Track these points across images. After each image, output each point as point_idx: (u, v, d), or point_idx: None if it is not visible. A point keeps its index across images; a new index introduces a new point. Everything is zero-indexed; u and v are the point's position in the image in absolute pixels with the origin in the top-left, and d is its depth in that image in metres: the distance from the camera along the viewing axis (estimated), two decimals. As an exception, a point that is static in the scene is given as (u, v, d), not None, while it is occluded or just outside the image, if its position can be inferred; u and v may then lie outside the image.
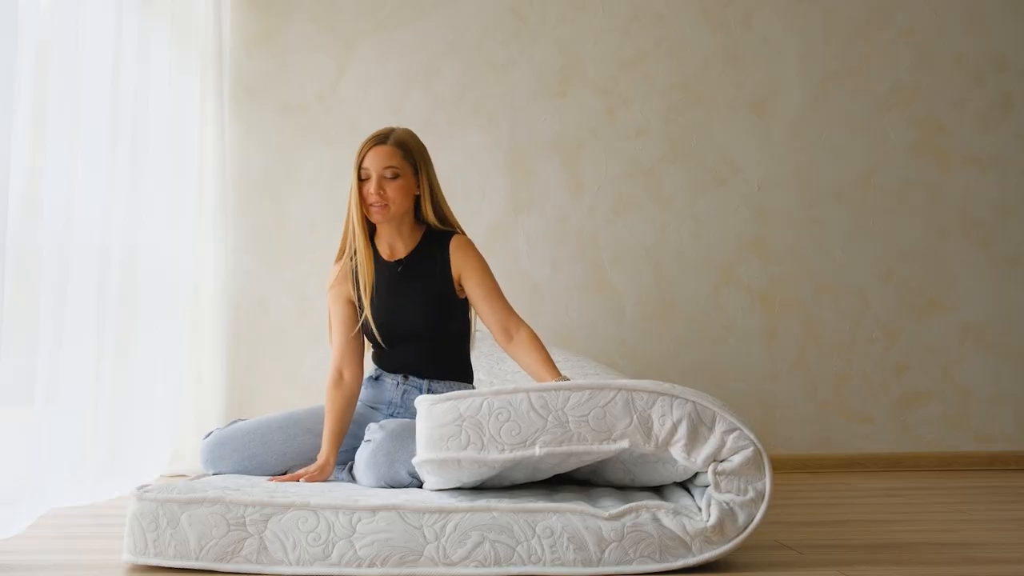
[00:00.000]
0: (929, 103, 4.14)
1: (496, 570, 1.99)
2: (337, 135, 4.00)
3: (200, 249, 3.75)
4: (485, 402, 2.02)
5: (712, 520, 2.00)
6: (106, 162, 2.97)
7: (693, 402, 2.02)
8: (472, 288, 2.55)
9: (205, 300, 3.77)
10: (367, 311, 2.54)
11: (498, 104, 4.03)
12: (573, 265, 4.02)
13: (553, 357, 3.12)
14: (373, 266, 2.55)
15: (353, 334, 2.60)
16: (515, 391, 2.02)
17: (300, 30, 4.01)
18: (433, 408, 2.03)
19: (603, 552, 1.99)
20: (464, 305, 2.61)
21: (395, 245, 2.60)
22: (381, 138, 2.54)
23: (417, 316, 2.54)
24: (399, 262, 2.58)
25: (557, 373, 2.40)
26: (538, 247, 4.01)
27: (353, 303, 2.61)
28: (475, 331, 2.70)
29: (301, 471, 2.40)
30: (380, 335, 2.58)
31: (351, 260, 2.59)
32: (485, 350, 3.18)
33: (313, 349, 3.92)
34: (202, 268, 3.76)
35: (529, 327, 2.50)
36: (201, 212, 3.75)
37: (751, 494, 2.01)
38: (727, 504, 2.01)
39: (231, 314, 3.90)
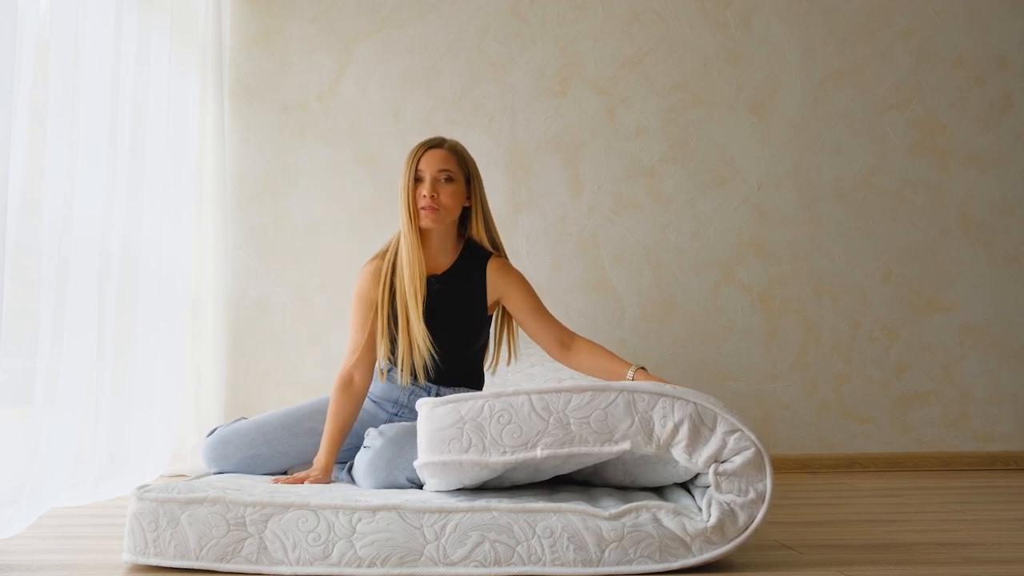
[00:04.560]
0: (929, 103, 4.14)
1: (496, 570, 1.98)
2: (337, 135, 4.00)
3: (200, 249, 3.75)
4: (486, 404, 2.01)
5: (712, 520, 2.00)
6: (106, 162, 2.97)
7: (694, 403, 2.02)
8: (519, 309, 2.54)
9: (205, 300, 3.77)
10: (417, 326, 2.45)
11: (498, 104, 4.04)
12: (573, 265, 4.02)
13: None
14: (426, 272, 2.48)
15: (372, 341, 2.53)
16: (516, 393, 2.02)
17: (300, 30, 4.02)
18: (434, 411, 2.03)
19: (603, 552, 1.99)
20: (489, 321, 2.61)
21: (436, 260, 2.55)
22: (436, 143, 2.53)
23: (445, 339, 2.52)
24: (435, 279, 2.53)
25: (628, 363, 2.42)
26: (538, 247, 4.01)
27: (378, 308, 2.54)
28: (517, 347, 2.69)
29: (302, 474, 2.38)
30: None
31: (389, 264, 2.52)
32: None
33: (313, 349, 3.92)
34: (202, 268, 3.76)
35: (578, 335, 2.53)
36: (201, 212, 3.75)
37: (752, 495, 2.01)
38: (728, 505, 2.01)
39: (231, 314, 3.90)
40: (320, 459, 2.43)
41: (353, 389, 2.51)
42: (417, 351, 2.47)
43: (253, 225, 3.97)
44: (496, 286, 2.55)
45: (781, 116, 4.11)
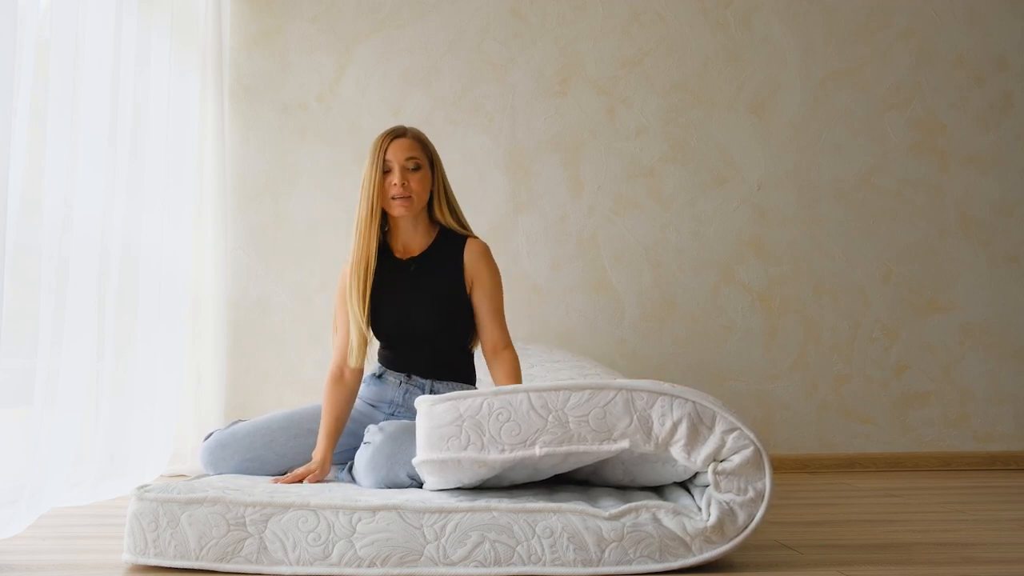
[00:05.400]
0: (929, 103, 4.14)
1: (496, 570, 1.98)
2: (337, 135, 4.00)
3: (200, 249, 3.75)
4: (485, 402, 2.01)
5: (712, 520, 2.00)
6: (106, 162, 2.97)
7: (693, 402, 2.02)
8: (480, 300, 2.56)
9: (205, 300, 3.77)
10: (358, 310, 2.50)
11: (498, 104, 4.04)
12: (573, 265, 4.02)
13: (553, 357, 3.14)
14: (374, 264, 2.52)
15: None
16: (515, 391, 2.02)
17: (300, 30, 4.02)
18: (433, 408, 2.03)
19: (603, 552, 1.99)
20: (470, 305, 2.61)
21: (410, 244, 2.59)
22: (400, 132, 2.56)
23: (428, 317, 2.54)
24: (412, 260, 2.57)
25: None
26: (538, 247, 4.01)
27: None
28: None
29: (301, 470, 2.39)
30: (387, 334, 2.58)
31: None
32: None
33: (313, 349, 3.92)
34: (202, 268, 3.76)
35: (513, 350, 2.55)
36: (201, 212, 3.75)
37: (751, 494, 2.01)
38: (727, 504, 2.01)
39: (231, 314, 3.90)
40: (317, 453, 2.45)
41: (344, 383, 2.54)
42: (357, 329, 2.50)
43: (253, 225, 3.97)
44: (472, 268, 2.56)
45: (781, 116, 4.11)
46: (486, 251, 2.59)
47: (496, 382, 2.53)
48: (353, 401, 2.56)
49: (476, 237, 2.61)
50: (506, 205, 4.00)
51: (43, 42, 2.66)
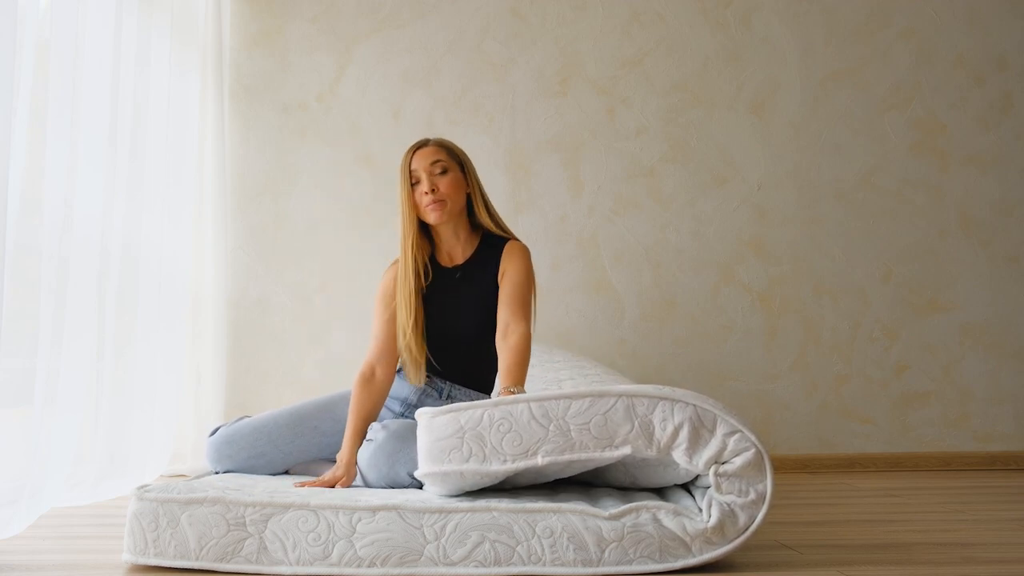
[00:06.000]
0: (929, 103, 4.14)
1: (496, 570, 1.98)
2: (337, 135, 4.00)
3: (200, 249, 3.75)
4: (486, 414, 2.01)
5: (713, 521, 2.00)
6: (106, 162, 2.97)
7: (694, 405, 2.01)
8: (503, 287, 2.52)
9: (205, 300, 3.77)
10: (407, 316, 2.48)
11: (498, 104, 4.04)
12: (573, 265, 4.02)
13: (553, 358, 3.14)
14: (421, 277, 2.51)
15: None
16: (515, 401, 2.02)
17: (300, 30, 4.02)
18: (433, 421, 2.02)
19: (603, 552, 1.99)
20: None
21: (453, 251, 2.59)
22: (422, 142, 2.57)
23: (469, 324, 2.54)
24: (457, 268, 2.57)
25: (509, 389, 2.32)
26: (538, 247, 4.01)
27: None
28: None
29: (329, 476, 2.36)
30: (427, 340, 2.55)
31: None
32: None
33: (313, 349, 3.92)
34: (202, 268, 3.76)
35: (525, 330, 2.42)
36: (201, 212, 3.75)
37: (752, 496, 2.01)
38: (728, 505, 2.00)
39: (231, 314, 3.90)
40: (343, 455, 2.43)
41: (375, 383, 2.52)
42: (408, 349, 2.49)
43: (253, 225, 3.97)
44: (503, 265, 2.55)
45: (781, 116, 4.11)
46: (522, 250, 2.56)
47: (500, 364, 2.43)
48: (382, 403, 2.54)
49: (517, 240, 2.60)
50: (506, 205, 4.00)
51: (43, 42, 2.66)
